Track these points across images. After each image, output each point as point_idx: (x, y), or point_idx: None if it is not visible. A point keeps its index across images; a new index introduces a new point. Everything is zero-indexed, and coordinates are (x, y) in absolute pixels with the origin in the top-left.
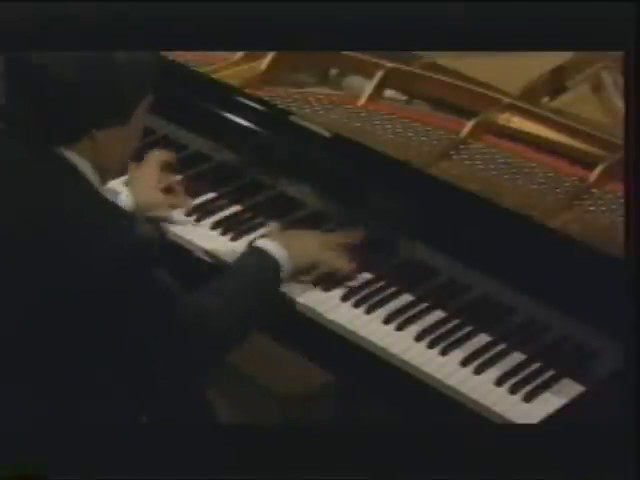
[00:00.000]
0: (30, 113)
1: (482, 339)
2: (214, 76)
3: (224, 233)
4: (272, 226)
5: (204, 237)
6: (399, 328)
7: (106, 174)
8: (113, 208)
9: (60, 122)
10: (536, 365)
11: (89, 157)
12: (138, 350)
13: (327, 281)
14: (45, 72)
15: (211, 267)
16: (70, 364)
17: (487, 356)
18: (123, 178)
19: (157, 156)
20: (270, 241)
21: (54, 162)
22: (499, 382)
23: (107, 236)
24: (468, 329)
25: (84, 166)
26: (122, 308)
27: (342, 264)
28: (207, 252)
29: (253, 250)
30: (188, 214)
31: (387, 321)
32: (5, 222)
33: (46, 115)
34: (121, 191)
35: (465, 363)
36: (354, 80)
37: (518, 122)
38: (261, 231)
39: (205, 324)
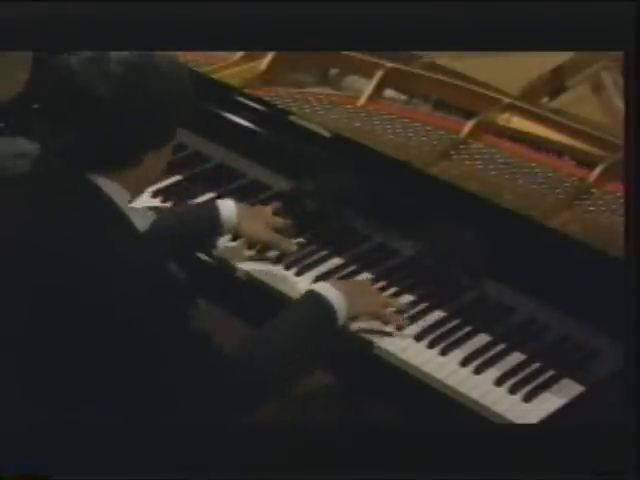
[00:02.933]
0: (78, 139)
1: (482, 339)
2: (214, 76)
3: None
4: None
5: None
6: (399, 328)
7: (136, 194)
8: (143, 244)
9: (116, 149)
10: (536, 365)
11: (124, 180)
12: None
13: None
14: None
15: (212, 267)
16: (75, 367)
17: (487, 356)
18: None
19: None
20: (329, 286)
21: (88, 189)
22: (499, 382)
23: (138, 273)
24: (468, 329)
25: (118, 192)
26: (153, 348)
27: (397, 320)
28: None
29: (311, 295)
30: None
31: (387, 322)
32: (38, 255)
33: (101, 144)
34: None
35: (465, 363)
36: (354, 80)
37: (518, 122)
38: None
39: (246, 365)
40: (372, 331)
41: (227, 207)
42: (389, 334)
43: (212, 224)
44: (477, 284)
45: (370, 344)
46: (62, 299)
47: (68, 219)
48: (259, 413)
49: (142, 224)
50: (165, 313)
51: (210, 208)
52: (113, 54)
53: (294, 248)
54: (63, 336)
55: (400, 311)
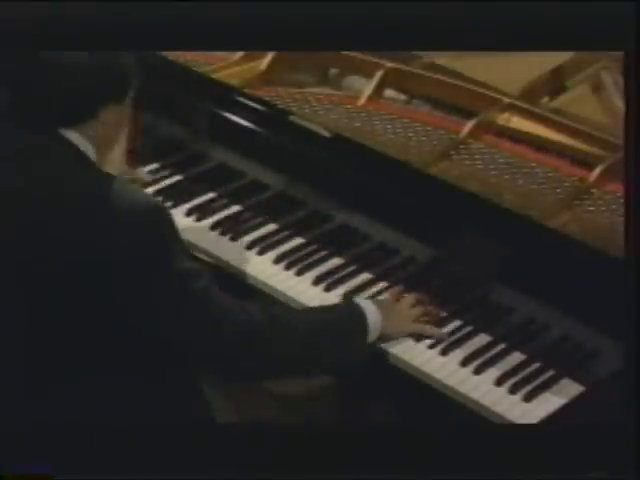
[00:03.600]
0: (35, 97)
1: (482, 339)
2: (214, 76)
3: (224, 233)
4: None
5: (203, 237)
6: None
7: (103, 153)
8: (118, 183)
9: (71, 104)
10: (536, 365)
11: (91, 137)
12: (166, 344)
13: None
14: (46, 64)
15: (211, 267)
16: (75, 364)
17: (487, 356)
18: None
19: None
20: (371, 303)
21: (58, 145)
22: (499, 382)
23: (117, 211)
24: (468, 329)
25: (86, 146)
26: (139, 294)
27: (437, 333)
28: (206, 252)
29: (352, 305)
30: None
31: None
32: (11, 208)
33: (55, 99)
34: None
35: (465, 363)
36: (354, 80)
37: (518, 122)
38: (261, 231)
39: (250, 340)
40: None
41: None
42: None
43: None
44: (477, 284)
45: (370, 345)
46: (44, 252)
47: (38, 168)
48: (259, 413)
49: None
50: (152, 251)
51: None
52: None
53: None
54: (54, 299)
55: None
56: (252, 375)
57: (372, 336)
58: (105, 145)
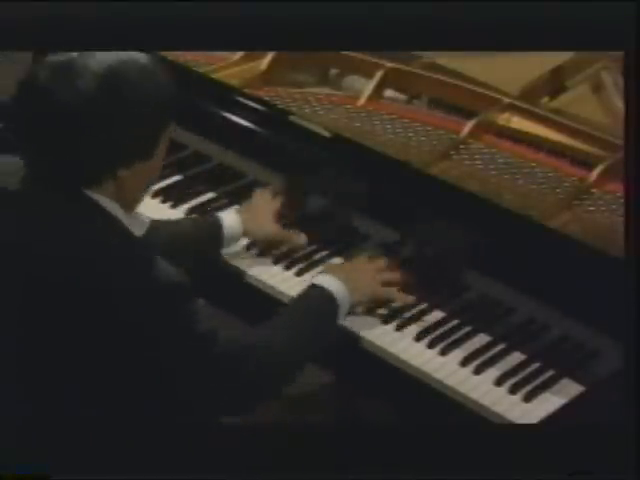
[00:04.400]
0: (50, 158)
1: (482, 339)
2: (214, 76)
3: None
4: (330, 262)
5: None
6: (399, 328)
7: (131, 205)
8: (141, 248)
9: (85, 164)
10: (536, 365)
11: (114, 193)
12: (164, 376)
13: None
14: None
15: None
16: (75, 366)
17: (487, 356)
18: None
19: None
20: (329, 277)
21: (80, 205)
22: (499, 382)
23: (138, 275)
24: (468, 329)
25: (109, 204)
26: (154, 346)
27: (399, 297)
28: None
29: (315, 290)
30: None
31: (386, 321)
32: (37, 271)
33: (68, 159)
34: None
35: (465, 363)
36: (354, 80)
37: (518, 122)
38: None
39: (249, 363)
40: (372, 331)
41: (231, 220)
42: (389, 334)
43: (215, 238)
44: (477, 284)
45: (370, 344)
46: (64, 305)
47: (64, 232)
48: (259, 412)
49: (139, 230)
50: (164, 312)
51: (212, 222)
52: (80, 59)
53: (303, 240)
54: (65, 339)
55: (401, 287)
56: (256, 397)
57: (344, 309)
58: (132, 199)
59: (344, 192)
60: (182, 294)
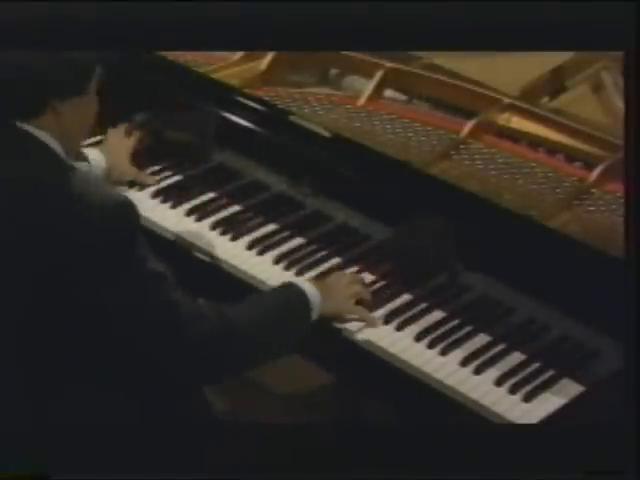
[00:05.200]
0: None
1: (482, 339)
2: (214, 76)
3: (224, 233)
4: (312, 275)
5: (202, 237)
6: (399, 328)
7: (70, 146)
8: (85, 178)
9: (21, 97)
10: (536, 365)
11: (53, 130)
12: (137, 347)
13: None
14: None
15: (211, 267)
16: (69, 362)
17: (487, 356)
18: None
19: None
20: (310, 285)
21: (19, 138)
22: (499, 382)
23: (83, 208)
24: (468, 329)
25: (49, 139)
26: (103, 295)
27: (368, 319)
28: (206, 252)
29: (290, 285)
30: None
31: (387, 321)
32: None
33: (5, 92)
34: (90, 154)
35: (465, 363)
36: (354, 80)
37: (518, 122)
38: (261, 231)
39: (210, 335)
40: (371, 331)
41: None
42: (389, 334)
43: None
44: (477, 284)
45: (370, 344)
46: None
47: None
48: (259, 413)
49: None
50: (118, 256)
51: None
52: None
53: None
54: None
55: (371, 305)
56: (216, 376)
57: (314, 315)
58: (70, 138)
59: (344, 192)
60: (132, 216)
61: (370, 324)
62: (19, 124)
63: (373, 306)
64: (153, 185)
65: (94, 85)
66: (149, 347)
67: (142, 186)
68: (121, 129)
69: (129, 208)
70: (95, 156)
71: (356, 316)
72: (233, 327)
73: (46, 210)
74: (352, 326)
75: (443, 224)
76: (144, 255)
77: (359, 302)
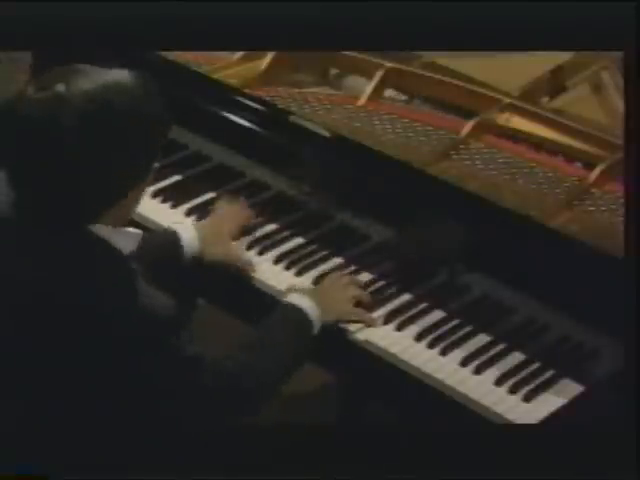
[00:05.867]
0: (50, 194)
1: (482, 339)
2: (214, 76)
3: None
4: (305, 283)
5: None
6: (399, 328)
7: (123, 222)
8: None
9: (94, 196)
10: (536, 365)
11: (114, 221)
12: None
13: None
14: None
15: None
16: (72, 365)
17: (487, 356)
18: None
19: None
20: (304, 299)
21: (79, 239)
22: (499, 382)
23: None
24: (468, 329)
25: (105, 231)
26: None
27: (368, 319)
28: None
29: (289, 309)
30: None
31: (387, 321)
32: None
33: (72, 194)
34: (184, 226)
35: (465, 363)
36: (354, 80)
37: (518, 122)
38: (261, 231)
39: (228, 384)
40: (371, 331)
41: (188, 233)
42: (389, 334)
43: (173, 251)
44: (477, 284)
45: (370, 344)
46: (57, 322)
47: (63, 266)
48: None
49: (128, 246)
50: (151, 337)
51: (170, 234)
52: (65, 91)
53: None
54: (61, 351)
55: (370, 305)
56: (245, 413)
57: (316, 329)
58: (127, 218)
59: (344, 192)
60: (167, 323)
61: (370, 324)
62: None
63: (373, 306)
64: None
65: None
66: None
67: None
68: (231, 203)
69: (167, 320)
70: (188, 237)
71: (356, 318)
72: (249, 369)
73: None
74: (352, 326)
75: (443, 224)
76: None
77: (358, 303)
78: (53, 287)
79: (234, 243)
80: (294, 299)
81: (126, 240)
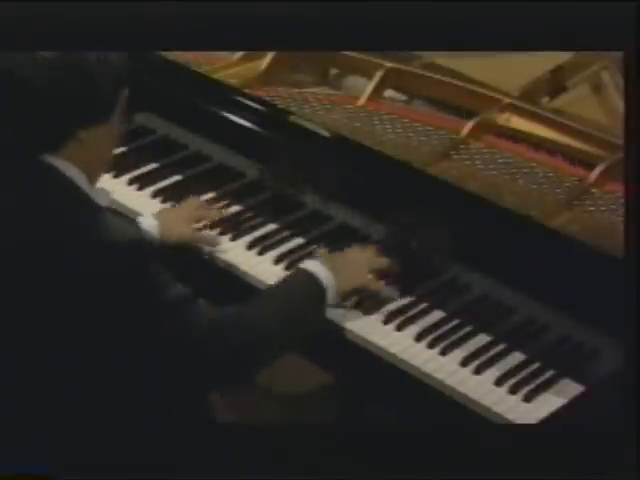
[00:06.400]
0: (7, 125)
1: (482, 339)
2: (214, 76)
3: (224, 233)
4: (321, 250)
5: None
6: (399, 328)
7: (93, 174)
8: (100, 212)
9: (43, 129)
10: (536, 365)
11: (76, 160)
12: (146, 354)
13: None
14: (14, 79)
15: (211, 267)
16: (72, 365)
17: (487, 356)
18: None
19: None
20: (319, 264)
21: (41, 172)
22: (499, 382)
23: (101, 240)
24: (468, 329)
25: (71, 170)
26: (125, 311)
27: (385, 292)
28: (206, 252)
29: (301, 273)
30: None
31: (387, 321)
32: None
33: (26, 125)
34: (144, 214)
35: (465, 363)
36: (354, 80)
37: (518, 122)
38: (261, 231)
39: (228, 337)
40: (372, 331)
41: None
42: (390, 334)
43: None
44: (477, 284)
45: (370, 344)
46: (31, 281)
47: (27, 200)
48: (259, 413)
49: (102, 201)
50: (135, 284)
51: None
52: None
53: (219, 241)
54: (37, 314)
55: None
56: (245, 373)
57: (330, 295)
58: (92, 167)
59: (344, 192)
60: (150, 259)
61: (388, 294)
62: (42, 156)
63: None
64: (154, 186)
65: (118, 112)
66: (167, 360)
67: (142, 186)
68: (192, 203)
69: (145, 245)
70: (148, 225)
71: (373, 289)
72: (253, 329)
73: (64, 244)
74: (352, 326)
75: (443, 224)
76: (164, 284)
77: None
78: (20, 229)
79: (195, 225)
80: (309, 265)
81: (97, 194)
